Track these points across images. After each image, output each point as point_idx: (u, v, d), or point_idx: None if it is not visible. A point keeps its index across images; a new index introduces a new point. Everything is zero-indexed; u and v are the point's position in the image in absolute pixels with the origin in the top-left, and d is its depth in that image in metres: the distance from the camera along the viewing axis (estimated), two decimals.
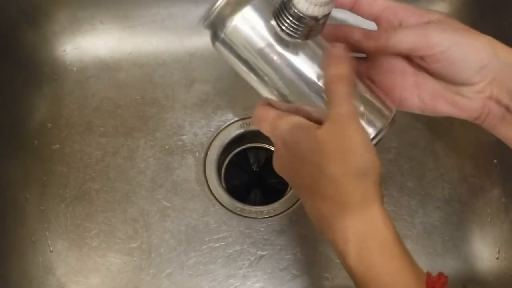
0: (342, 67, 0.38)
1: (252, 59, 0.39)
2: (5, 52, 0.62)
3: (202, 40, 0.68)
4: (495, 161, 0.63)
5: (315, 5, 0.35)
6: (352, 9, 0.42)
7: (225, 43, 0.39)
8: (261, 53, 0.39)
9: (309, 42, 0.39)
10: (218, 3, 0.38)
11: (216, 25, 0.39)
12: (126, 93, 0.66)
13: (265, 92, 0.41)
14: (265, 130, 0.40)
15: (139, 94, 0.66)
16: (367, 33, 0.41)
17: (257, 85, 0.41)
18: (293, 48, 0.39)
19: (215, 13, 0.38)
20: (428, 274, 0.34)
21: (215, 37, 0.39)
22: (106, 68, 0.67)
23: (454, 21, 0.40)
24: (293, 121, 0.38)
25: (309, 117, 0.39)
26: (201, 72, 0.67)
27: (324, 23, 0.38)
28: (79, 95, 0.66)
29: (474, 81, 0.40)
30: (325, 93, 0.38)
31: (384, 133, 0.40)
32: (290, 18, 0.37)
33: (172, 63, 0.68)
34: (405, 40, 0.39)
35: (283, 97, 0.40)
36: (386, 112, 0.41)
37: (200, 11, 0.68)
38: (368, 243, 0.34)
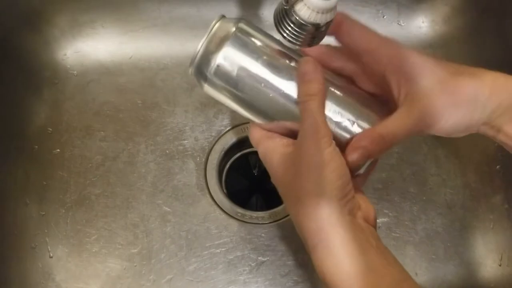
0: (311, 85, 0.38)
1: (238, 94, 0.40)
2: (6, 57, 0.62)
3: None
4: (498, 167, 0.62)
5: (317, 12, 0.35)
6: (336, 35, 0.41)
7: (212, 84, 0.40)
8: (246, 86, 0.39)
9: (292, 63, 0.40)
10: (198, 48, 0.39)
11: (201, 68, 0.40)
12: (127, 97, 0.66)
13: (253, 118, 0.42)
14: (254, 147, 0.43)
15: (140, 98, 0.66)
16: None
17: (245, 113, 0.42)
18: (277, 73, 0.39)
19: (197, 57, 0.40)
20: None
21: (202, 79, 0.40)
22: (107, 72, 0.67)
23: (440, 88, 0.38)
24: (269, 145, 0.41)
25: (292, 133, 0.41)
26: None
27: (326, 31, 0.38)
28: (80, 99, 0.66)
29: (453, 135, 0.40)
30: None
31: None
32: (292, 25, 0.37)
33: (173, 67, 0.67)
34: (398, 139, 0.39)
35: (269, 119, 0.41)
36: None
37: (201, 14, 0.68)
38: (327, 265, 0.36)
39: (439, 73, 0.39)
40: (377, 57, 0.40)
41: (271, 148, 0.40)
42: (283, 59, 0.40)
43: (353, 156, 0.39)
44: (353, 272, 0.35)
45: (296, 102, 0.39)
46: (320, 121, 0.37)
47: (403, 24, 0.70)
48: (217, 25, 0.40)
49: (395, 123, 0.39)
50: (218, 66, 0.39)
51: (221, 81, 0.40)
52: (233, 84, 0.39)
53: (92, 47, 0.67)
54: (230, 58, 0.39)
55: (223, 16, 0.41)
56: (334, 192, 0.36)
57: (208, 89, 0.41)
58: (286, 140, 0.40)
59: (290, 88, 0.40)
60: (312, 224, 0.36)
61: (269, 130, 0.42)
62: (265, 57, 0.39)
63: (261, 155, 0.42)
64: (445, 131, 0.39)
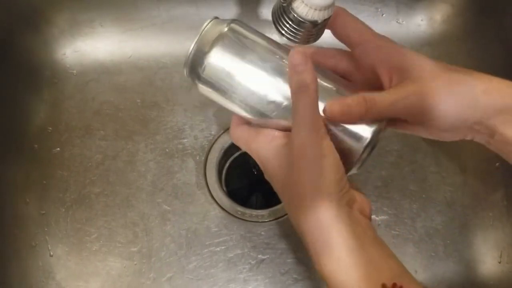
0: (302, 76, 0.37)
1: (229, 93, 0.40)
2: (5, 56, 0.62)
3: None
4: (497, 164, 0.62)
5: (315, 9, 0.35)
6: (331, 28, 0.41)
7: (204, 83, 0.41)
8: (237, 85, 0.40)
9: (283, 61, 0.40)
10: (191, 48, 0.40)
11: (194, 68, 0.41)
12: (126, 97, 0.66)
13: (242, 113, 0.42)
14: (243, 148, 0.42)
15: (139, 98, 0.66)
16: (348, 109, 0.39)
17: (237, 110, 0.42)
18: (268, 71, 0.40)
19: (190, 57, 0.41)
20: (383, 285, 0.35)
21: (196, 79, 0.41)
22: (106, 71, 0.67)
23: (432, 77, 0.38)
24: (260, 140, 0.40)
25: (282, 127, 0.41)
26: None
27: (323, 28, 0.38)
28: (79, 99, 0.66)
29: (447, 134, 0.40)
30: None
31: (373, 144, 0.40)
32: (290, 22, 0.37)
33: (173, 66, 0.67)
34: (385, 115, 0.39)
35: (262, 116, 0.41)
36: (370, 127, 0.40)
37: (200, 13, 0.68)
38: (326, 258, 0.36)
39: (432, 66, 0.39)
40: (368, 49, 0.40)
41: (264, 142, 0.40)
42: (274, 57, 0.40)
43: (334, 107, 0.38)
44: (351, 265, 0.35)
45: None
46: (315, 112, 0.37)
47: (402, 22, 0.70)
48: (208, 26, 0.41)
49: (381, 94, 0.38)
50: (208, 65, 0.39)
51: (212, 80, 0.40)
52: (224, 83, 0.40)
53: (91, 47, 0.68)
54: (220, 58, 0.39)
55: (215, 18, 0.41)
56: (333, 186, 0.36)
57: (201, 88, 0.41)
58: (277, 133, 0.40)
59: (281, 85, 0.39)
60: (311, 219, 0.36)
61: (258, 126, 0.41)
62: (255, 56, 0.39)
63: (254, 152, 0.41)
64: (434, 120, 0.39)
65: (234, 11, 0.67)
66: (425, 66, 0.39)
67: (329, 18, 0.37)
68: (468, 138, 0.41)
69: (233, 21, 0.41)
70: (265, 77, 0.39)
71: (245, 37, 0.40)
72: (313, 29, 0.37)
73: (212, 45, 0.39)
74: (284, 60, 0.40)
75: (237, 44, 0.40)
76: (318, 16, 0.36)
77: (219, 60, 0.39)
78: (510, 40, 0.64)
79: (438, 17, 0.69)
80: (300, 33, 0.38)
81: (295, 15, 0.36)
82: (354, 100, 0.38)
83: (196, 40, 0.40)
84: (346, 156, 0.40)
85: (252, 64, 0.39)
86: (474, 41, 0.68)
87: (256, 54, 0.40)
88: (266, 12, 0.67)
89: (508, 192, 0.62)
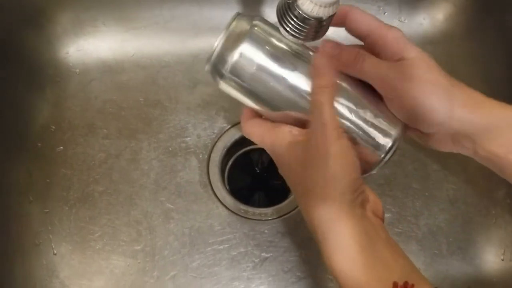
0: (323, 78, 0.39)
1: (254, 91, 0.40)
2: (8, 55, 0.62)
3: (205, 42, 0.68)
4: None
5: (320, 6, 0.35)
6: (344, 25, 0.42)
7: (228, 81, 0.40)
8: (262, 83, 0.40)
9: (307, 59, 0.40)
10: (215, 46, 0.40)
11: (218, 66, 0.40)
12: (129, 95, 0.66)
13: (260, 109, 0.42)
14: (257, 142, 0.43)
15: (142, 96, 0.66)
16: (338, 53, 0.41)
17: (260, 109, 0.42)
18: (293, 69, 0.40)
19: (214, 55, 0.40)
20: (395, 284, 0.35)
21: (218, 76, 0.41)
22: (109, 70, 0.67)
23: (426, 65, 0.39)
24: (277, 136, 0.41)
25: (299, 122, 0.41)
26: (204, 74, 0.66)
27: (328, 25, 0.38)
28: (82, 97, 0.66)
29: (430, 131, 0.41)
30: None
31: (397, 145, 0.41)
32: (295, 19, 0.37)
33: (175, 65, 0.68)
34: (368, 75, 0.40)
35: (277, 110, 0.41)
36: (394, 128, 0.41)
37: (203, 12, 0.68)
38: (337, 255, 0.36)
39: (428, 66, 0.40)
40: (375, 39, 0.41)
41: (280, 138, 0.40)
42: (298, 55, 0.40)
43: (328, 44, 0.41)
44: (362, 263, 0.35)
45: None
46: (328, 113, 0.37)
47: (404, 21, 0.70)
48: (234, 23, 0.40)
49: (373, 58, 0.40)
50: (235, 63, 0.39)
51: (237, 78, 0.40)
52: (249, 81, 0.40)
53: (94, 45, 0.68)
54: (247, 55, 0.39)
55: (239, 14, 0.41)
56: (348, 185, 0.37)
57: (223, 86, 0.41)
58: (294, 129, 0.40)
59: (305, 84, 0.40)
60: (323, 215, 0.37)
61: (274, 121, 0.42)
62: (281, 54, 0.40)
63: (269, 147, 0.41)
64: (405, 110, 0.40)
65: (236, 10, 0.67)
66: (423, 60, 0.39)
67: (333, 15, 0.37)
68: (454, 151, 0.42)
69: (256, 17, 0.41)
70: (289, 75, 0.40)
71: (269, 34, 0.40)
72: (318, 26, 0.37)
73: (238, 43, 0.39)
74: (307, 59, 0.40)
75: (262, 42, 0.40)
76: (323, 12, 0.36)
77: (245, 58, 0.39)
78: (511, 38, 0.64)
79: (440, 16, 0.69)
80: (305, 30, 0.38)
81: (300, 12, 0.36)
82: (348, 48, 0.41)
83: (221, 37, 0.40)
84: (365, 159, 0.40)
85: (277, 62, 0.39)
86: (476, 40, 0.68)
87: (281, 53, 0.40)
88: (268, 11, 0.68)
89: (511, 190, 0.62)
